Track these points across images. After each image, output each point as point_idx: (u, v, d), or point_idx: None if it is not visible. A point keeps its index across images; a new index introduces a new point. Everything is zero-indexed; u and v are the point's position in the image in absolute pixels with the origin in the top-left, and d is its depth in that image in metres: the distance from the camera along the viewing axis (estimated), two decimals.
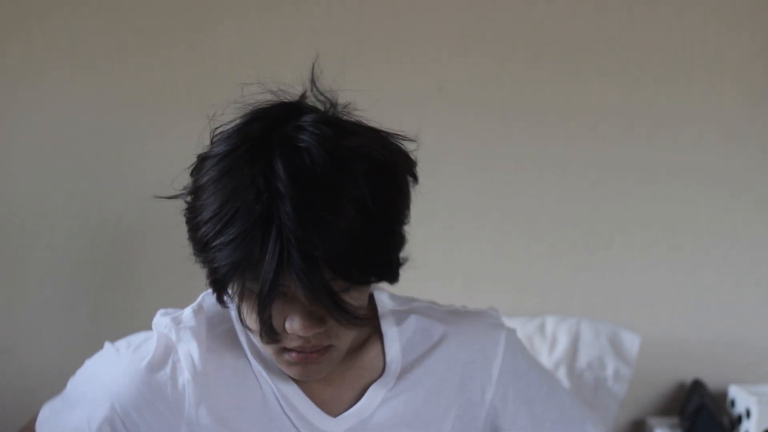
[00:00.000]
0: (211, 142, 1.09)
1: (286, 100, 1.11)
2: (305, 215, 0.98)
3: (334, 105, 1.11)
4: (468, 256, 2.53)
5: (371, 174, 1.03)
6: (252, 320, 1.07)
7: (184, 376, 1.16)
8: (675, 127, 2.54)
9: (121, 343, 1.24)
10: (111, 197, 2.45)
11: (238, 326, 1.20)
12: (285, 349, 1.10)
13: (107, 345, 1.26)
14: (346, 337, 1.12)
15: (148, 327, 2.59)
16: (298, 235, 0.98)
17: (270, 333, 1.06)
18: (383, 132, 1.11)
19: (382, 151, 1.07)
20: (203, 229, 1.03)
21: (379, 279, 1.07)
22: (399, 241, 1.10)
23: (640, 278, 2.57)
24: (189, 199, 1.09)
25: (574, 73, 2.51)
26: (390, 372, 1.22)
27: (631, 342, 2.42)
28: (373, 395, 1.20)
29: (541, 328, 2.45)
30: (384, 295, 1.29)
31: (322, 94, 1.12)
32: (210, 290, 1.18)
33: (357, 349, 1.22)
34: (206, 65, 2.42)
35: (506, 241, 2.54)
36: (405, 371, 1.23)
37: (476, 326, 1.29)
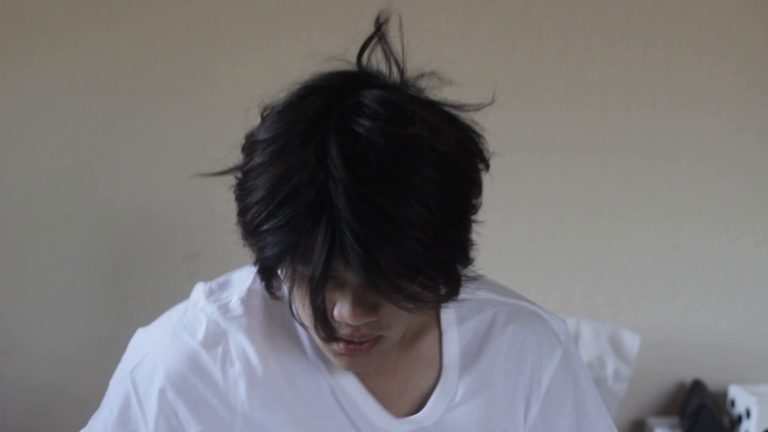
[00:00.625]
0: (262, 118, 1.02)
1: (344, 69, 1.04)
2: (359, 201, 0.92)
3: (401, 71, 1.04)
4: None
5: (435, 165, 0.97)
6: (303, 308, 1.02)
7: (236, 367, 1.11)
8: (677, 125, 2.54)
9: (163, 321, 1.20)
10: (111, 197, 2.45)
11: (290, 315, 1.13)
12: (334, 338, 1.03)
13: (140, 330, 1.23)
14: (399, 328, 1.05)
15: None
16: (350, 220, 0.92)
17: (323, 321, 1.00)
18: (452, 112, 1.05)
19: (449, 139, 1.00)
20: (253, 211, 0.97)
21: (444, 278, 1.00)
22: (463, 235, 1.04)
23: (640, 278, 2.57)
24: (239, 177, 1.01)
25: (574, 70, 2.51)
26: (448, 375, 1.17)
27: (631, 341, 2.42)
28: (435, 404, 1.16)
29: None
30: (453, 335, 1.21)
31: (390, 52, 1.04)
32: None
33: (412, 338, 1.16)
34: (208, 64, 2.42)
35: (506, 240, 2.54)
36: (464, 370, 1.17)
37: (538, 331, 1.23)
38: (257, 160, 0.97)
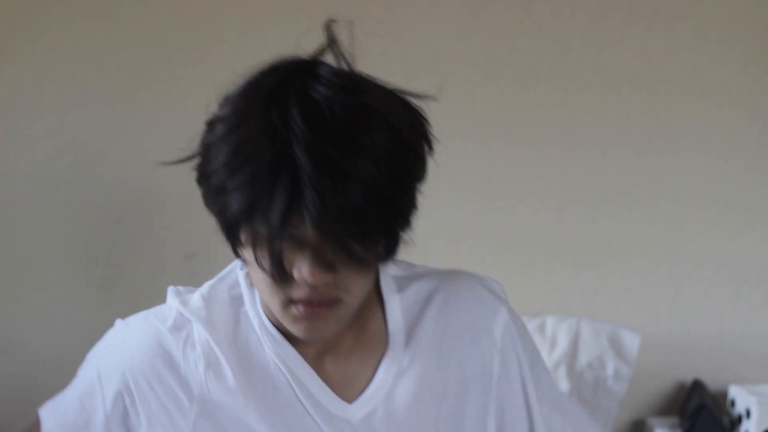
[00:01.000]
0: (219, 106, 1.09)
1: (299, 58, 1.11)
2: (320, 159, 0.99)
3: (351, 63, 1.12)
4: (468, 256, 2.53)
5: (386, 133, 1.04)
6: (262, 275, 1.07)
7: (197, 351, 1.17)
8: (676, 126, 2.54)
9: (133, 317, 1.27)
10: (111, 197, 2.45)
11: (251, 307, 1.20)
12: (292, 302, 1.08)
13: (118, 321, 1.29)
14: (355, 292, 1.09)
15: None
16: (309, 173, 0.99)
17: (281, 273, 1.04)
18: (400, 92, 1.11)
19: (398, 115, 1.07)
20: (217, 174, 1.04)
21: (385, 236, 1.06)
22: (406, 200, 1.09)
23: (640, 278, 2.57)
24: (198, 157, 1.09)
25: (575, 71, 2.51)
26: (395, 343, 1.20)
27: (631, 341, 2.42)
28: (386, 372, 1.19)
29: (541, 328, 2.46)
30: (395, 303, 1.24)
31: (341, 54, 1.13)
32: (227, 270, 1.21)
33: (359, 319, 1.20)
34: (208, 63, 2.42)
35: (506, 240, 2.54)
36: (410, 338, 1.21)
37: (476, 288, 1.27)
38: (219, 130, 1.05)
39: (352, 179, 1.00)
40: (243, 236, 1.06)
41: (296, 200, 1.00)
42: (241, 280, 1.21)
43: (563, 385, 2.39)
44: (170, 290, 1.26)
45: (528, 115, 2.52)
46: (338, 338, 1.19)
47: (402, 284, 1.25)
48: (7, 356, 2.46)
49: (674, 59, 2.53)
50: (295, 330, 1.11)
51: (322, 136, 1.00)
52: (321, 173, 0.99)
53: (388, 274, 1.24)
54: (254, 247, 1.05)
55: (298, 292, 1.07)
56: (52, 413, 1.25)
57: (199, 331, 1.18)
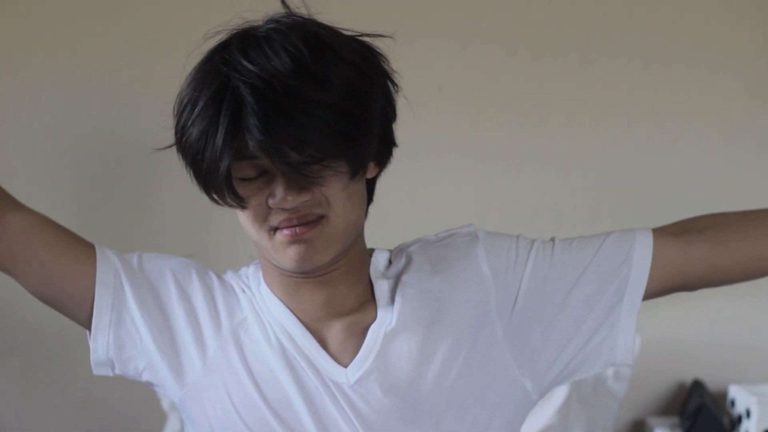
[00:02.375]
0: None
1: None
2: (260, 84, 1.06)
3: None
4: None
5: (332, 54, 1.09)
6: (243, 215, 1.15)
7: (246, 296, 1.26)
8: (676, 126, 2.54)
9: None
10: (111, 197, 2.45)
11: (254, 281, 1.27)
12: (276, 230, 1.13)
13: None
14: (336, 208, 1.12)
15: None
16: (250, 100, 1.06)
17: (232, 195, 1.11)
18: (356, 33, 1.18)
19: (348, 41, 1.14)
20: (180, 120, 1.16)
21: (343, 155, 1.09)
22: (369, 123, 1.12)
23: None
24: (174, 120, 1.20)
25: (574, 73, 2.52)
26: (381, 305, 1.23)
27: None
28: (375, 334, 1.21)
29: None
30: (383, 256, 1.28)
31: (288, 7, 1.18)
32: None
33: (353, 311, 1.23)
34: None
35: None
36: (394, 299, 1.23)
37: (451, 240, 1.30)
38: (183, 86, 1.19)
39: (295, 100, 1.05)
40: (208, 173, 1.12)
41: (239, 125, 1.07)
42: (250, 272, 1.29)
43: (563, 385, 2.38)
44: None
45: (528, 112, 2.52)
46: (335, 301, 1.22)
47: (393, 282, 1.26)
48: (7, 356, 2.46)
49: (672, 69, 2.53)
50: (287, 259, 1.14)
51: (260, 65, 1.07)
52: (259, 96, 1.05)
53: (378, 269, 1.26)
54: (215, 181, 1.12)
55: (279, 217, 1.11)
56: (109, 249, 1.36)
57: (246, 286, 1.26)
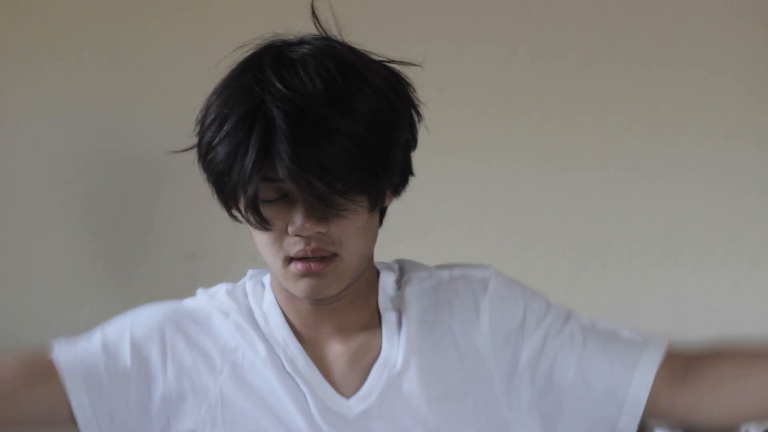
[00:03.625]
0: None
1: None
2: (293, 110, 1.05)
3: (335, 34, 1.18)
4: (468, 256, 2.51)
5: (365, 84, 1.09)
6: (255, 229, 1.13)
7: (230, 320, 1.23)
8: (677, 125, 2.54)
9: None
10: (111, 197, 2.45)
11: (257, 296, 1.25)
12: (291, 260, 1.13)
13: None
14: (350, 246, 1.13)
15: None
16: (283, 126, 1.05)
17: (257, 218, 1.10)
18: (384, 59, 1.19)
19: (380, 71, 1.14)
20: (206, 136, 1.13)
21: (366, 189, 1.09)
22: (394, 157, 1.12)
23: (640, 278, 2.57)
24: (197, 129, 1.17)
25: (574, 73, 2.52)
26: (387, 345, 1.22)
27: None
28: (379, 373, 1.21)
29: None
30: (390, 279, 1.27)
31: (323, 28, 1.20)
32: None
33: (359, 334, 1.23)
34: (208, 64, 2.42)
35: (506, 240, 2.54)
36: (401, 333, 1.23)
37: (464, 280, 1.29)
38: (210, 99, 1.15)
39: (326, 130, 1.05)
40: (230, 192, 1.12)
41: (270, 149, 1.06)
42: (248, 288, 1.28)
43: None
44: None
45: (528, 113, 2.52)
46: (342, 325, 1.21)
47: (395, 289, 1.27)
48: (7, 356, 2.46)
49: (672, 69, 2.54)
50: (297, 289, 1.15)
51: (295, 90, 1.06)
52: (292, 123, 1.05)
53: (387, 294, 1.26)
54: (239, 200, 1.12)
55: (295, 248, 1.11)
56: (67, 345, 1.29)
57: (230, 308, 1.24)
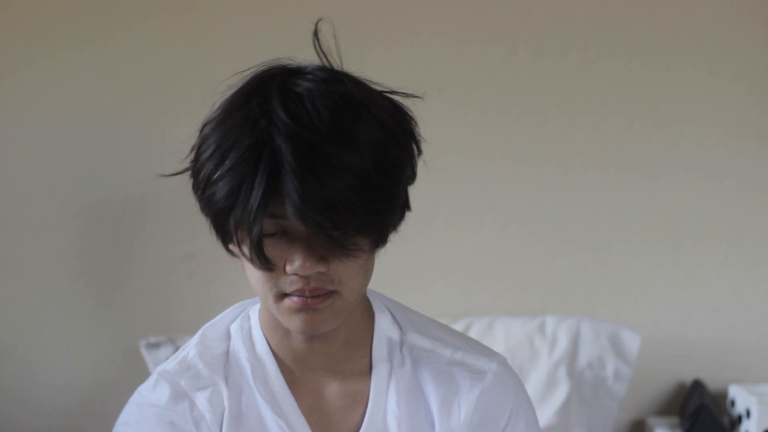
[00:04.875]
0: (211, 112, 1.12)
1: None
2: (301, 146, 1.01)
3: (336, 62, 1.13)
4: (468, 256, 2.53)
5: (372, 121, 1.05)
6: (252, 266, 1.08)
7: (206, 418, 1.18)
8: (677, 125, 2.54)
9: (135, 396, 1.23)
10: (111, 197, 2.45)
11: (244, 358, 1.20)
12: (286, 295, 1.09)
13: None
14: (352, 285, 1.10)
15: (147, 328, 2.59)
16: (291, 162, 1.01)
17: (263, 260, 1.06)
18: (387, 92, 1.13)
19: (384, 109, 1.09)
20: (205, 168, 1.07)
21: (371, 228, 1.07)
22: (397, 195, 1.10)
23: (640, 278, 2.57)
24: (193, 156, 1.11)
25: (574, 73, 2.51)
26: (373, 414, 1.20)
27: (631, 341, 2.42)
28: None
29: (541, 328, 2.45)
30: (386, 319, 1.24)
31: (324, 55, 1.13)
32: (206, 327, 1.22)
33: (348, 374, 1.21)
34: (208, 64, 2.42)
35: (506, 240, 2.54)
36: (392, 412, 1.20)
37: (460, 366, 1.23)
38: (207, 129, 1.08)
39: (335, 167, 1.02)
40: (231, 229, 1.08)
41: (276, 186, 1.02)
42: (233, 330, 1.22)
43: (563, 385, 2.39)
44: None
45: (528, 112, 2.52)
46: (332, 361, 1.19)
47: (396, 361, 1.22)
48: (5, 357, 2.46)
49: (672, 69, 2.53)
50: (292, 323, 1.11)
51: (303, 125, 1.02)
52: (301, 160, 1.01)
53: (383, 335, 1.23)
54: (240, 237, 1.07)
55: (292, 287, 1.08)
56: None
57: (199, 398, 1.18)
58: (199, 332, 1.24)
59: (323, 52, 1.13)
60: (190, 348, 1.22)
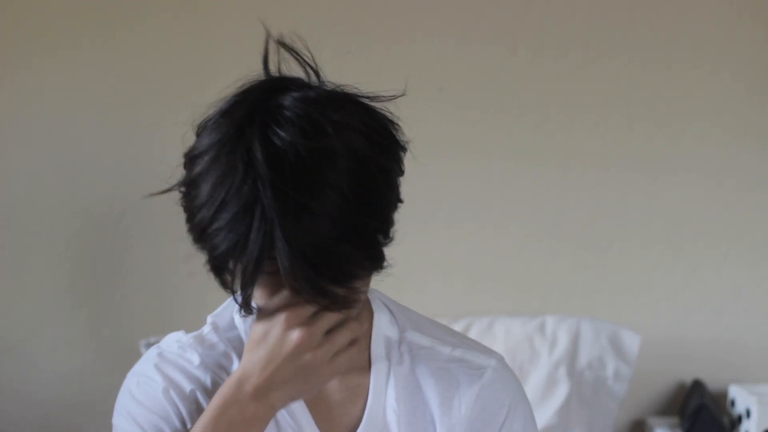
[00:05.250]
0: (197, 135, 1.12)
1: (269, 76, 1.13)
2: (283, 199, 1.02)
3: (316, 72, 1.11)
4: (468, 256, 2.53)
5: (350, 167, 1.04)
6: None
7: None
8: (677, 125, 2.54)
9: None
10: (111, 197, 2.45)
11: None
12: None
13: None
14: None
15: (147, 327, 2.59)
16: (278, 218, 1.01)
17: (247, 309, 1.09)
18: (370, 105, 1.11)
19: (361, 136, 1.07)
20: (198, 216, 1.08)
21: (362, 268, 1.07)
22: (383, 227, 1.09)
23: (640, 278, 2.57)
24: (183, 190, 1.13)
25: (574, 73, 2.52)
26: (372, 411, 1.20)
27: (631, 341, 2.42)
28: None
29: (541, 328, 2.45)
30: (384, 318, 1.24)
31: (303, 61, 1.12)
32: (215, 313, 1.24)
33: (348, 370, 1.19)
34: (207, 65, 2.42)
35: (506, 240, 2.54)
36: (391, 410, 1.21)
37: (460, 363, 1.23)
38: (197, 170, 1.08)
39: (319, 219, 1.02)
40: (229, 274, 1.09)
41: (269, 248, 1.03)
42: (238, 322, 1.23)
43: (563, 385, 2.39)
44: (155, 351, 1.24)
45: (527, 112, 2.52)
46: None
47: (395, 358, 1.22)
48: (6, 356, 2.46)
49: (672, 69, 2.53)
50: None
51: (286, 178, 1.02)
52: (285, 214, 1.01)
53: (381, 334, 1.23)
54: (232, 282, 1.09)
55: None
56: None
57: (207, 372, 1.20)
58: (209, 320, 1.25)
59: (308, 64, 1.12)
60: (206, 331, 1.23)
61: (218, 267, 1.10)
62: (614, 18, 2.52)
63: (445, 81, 2.47)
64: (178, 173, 1.16)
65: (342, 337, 1.09)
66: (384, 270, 1.10)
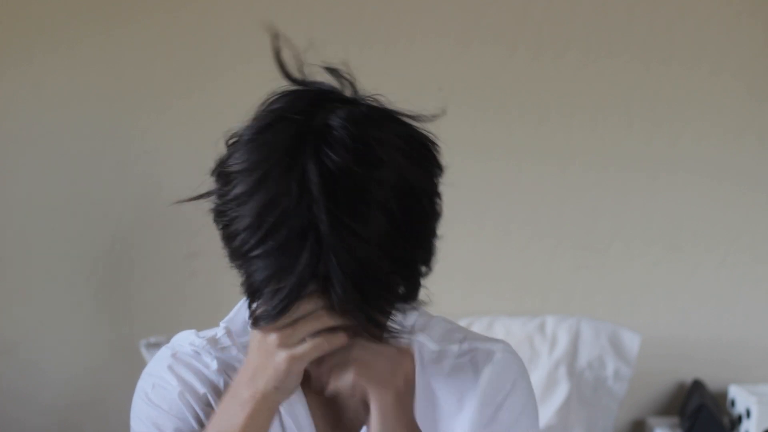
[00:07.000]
0: (228, 147, 1.06)
1: (298, 89, 1.08)
2: (338, 224, 0.99)
3: (352, 84, 1.09)
4: (468, 256, 2.53)
5: (400, 186, 1.04)
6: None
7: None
8: (677, 125, 2.54)
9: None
10: (112, 197, 2.45)
11: None
12: None
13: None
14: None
15: (148, 327, 2.59)
16: (333, 244, 0.99)
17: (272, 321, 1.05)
18: (413, 125, 1.11)
19: (407, 161, 1.07)
20: (241, 238, 1.02)
21: (397, 296, 1.06)
22: (426, 257, 1.10)
23: (640, 278, 2.57)
24: (220, 206, 1.07)
25: (573, 72, 2.52)
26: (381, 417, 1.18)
27: (631, 341, 2.42)
28: None
29: (541, 328, 2.46)
30: (426, 337, 1.25)
31: (338, 72, 1.09)
32: (229, 317, 1.22)
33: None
34: (208, 65, 2.42)
35: (506, 240, 2.54)
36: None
37: (469, 354, 1.25)
38: (238, 189, 1.02)
39: (368, 245, 1.00)
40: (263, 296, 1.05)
41: (315, 274, 1.00)
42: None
43: (563, 385, 2.39)
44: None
45: (527, 112, 2.52)
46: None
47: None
48: (7, 356, 2.46)
49: (672, 68, 2.53)
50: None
51: (341, 205, 0.99)
52: (341, 244, 0.99)
53: (424, 347, 1.23)
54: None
55: None
56: None
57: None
58: (222, 325, 1.23)
59: (343, 75, 1.09)
60: (219, 335, 1.22)
61: (257, 290, 1.04)
62: (614, 18, 2.52)
63: (445, 81, 2.47)
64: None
65: (308, 326, 1.05)
66: (415, 304, 1.09)
